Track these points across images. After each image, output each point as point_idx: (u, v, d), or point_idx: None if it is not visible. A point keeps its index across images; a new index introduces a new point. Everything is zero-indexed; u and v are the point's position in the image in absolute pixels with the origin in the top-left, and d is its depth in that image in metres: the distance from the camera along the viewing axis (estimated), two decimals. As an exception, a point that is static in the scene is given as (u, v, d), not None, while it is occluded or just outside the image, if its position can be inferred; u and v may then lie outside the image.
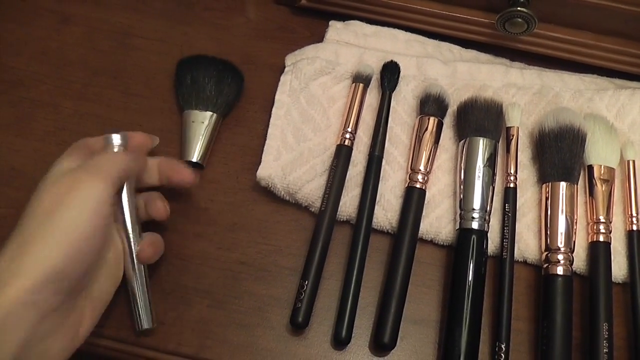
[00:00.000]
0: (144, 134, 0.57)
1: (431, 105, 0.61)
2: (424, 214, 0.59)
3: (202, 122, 0.62)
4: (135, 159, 0.54)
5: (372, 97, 0.64)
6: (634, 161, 0.61)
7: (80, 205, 0.46)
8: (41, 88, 0.66)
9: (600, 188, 0.59)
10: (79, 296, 0.48)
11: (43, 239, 0.45)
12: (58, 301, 0.45)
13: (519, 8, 0.60)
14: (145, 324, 0.54)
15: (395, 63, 0.64)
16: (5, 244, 0.45)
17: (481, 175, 0.58)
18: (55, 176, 0.49)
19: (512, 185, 0.59)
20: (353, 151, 0.61)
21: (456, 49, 0.69)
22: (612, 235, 0.58)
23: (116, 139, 0.54)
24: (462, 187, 0.58)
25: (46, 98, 0.66)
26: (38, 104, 0.65)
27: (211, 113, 0.62)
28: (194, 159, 0.61)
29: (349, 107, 0.62)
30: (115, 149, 0.54)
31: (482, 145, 0.59)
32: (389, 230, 0.59)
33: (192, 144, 0.61)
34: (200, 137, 0.62)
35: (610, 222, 0.58)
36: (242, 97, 0.66)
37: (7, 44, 0.69)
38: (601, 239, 0.57)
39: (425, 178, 0.59)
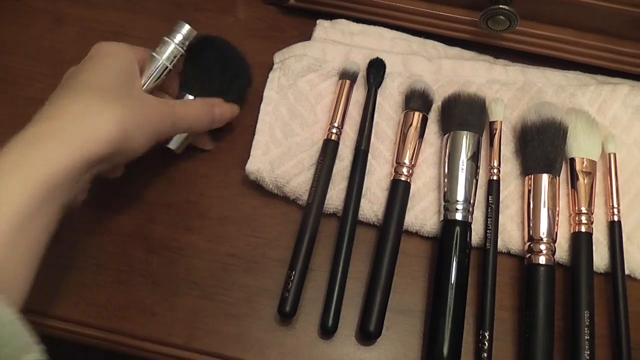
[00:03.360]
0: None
1: (416, 100, 0.62)
2: (409, 206, 0.60)
3: None
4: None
5: (359, 94, 0.66)
6: (615, 154, 0.62)
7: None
8: (35, 86, 0.68)
9: (582, 180, 0.60)
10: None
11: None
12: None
13: (501, 6, 0.61)
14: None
15: (381, 60, 0.65)
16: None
17: (465, 168, 0.59)
18: None
19: (495, 178, 0.60)
20: (340, 146, 0.62)
21: (441, 46, 0.70)
22: (593, 226, 0.59)
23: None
24: (446, 180, 0.59)
25: (40, 96, 0.65)
26: (32, 101, 0.65)
27: None
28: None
29: (336, 103, 0.63)
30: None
31: (465, 139, 0.60)
32: (375, 223, 0.60)
33: None
34: None
35: (592, 214, 0.59)
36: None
37: (2, 44, 0.70)
38: (583, 229, 0.58)
39: (410, 171, 0.60)
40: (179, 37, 0.57)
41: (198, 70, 0.60)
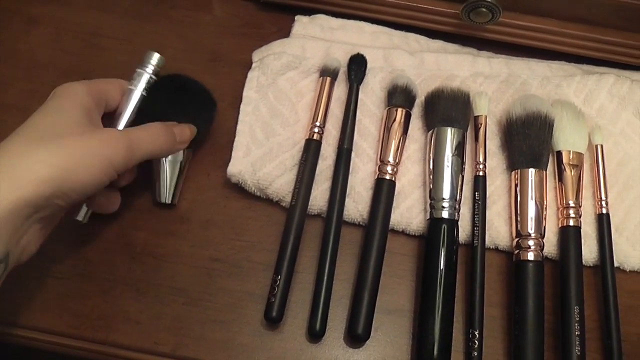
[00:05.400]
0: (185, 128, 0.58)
1: (398, 96, 0.61)
2: (394, 205, 0.59)
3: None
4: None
5: (340, 91, 0.64)
6: (602, 145, 0.61)
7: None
8: (10, 92, 0.66)
9: (569, 173, 0.59)
10: None
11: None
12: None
13: (482, -3, 0.60)
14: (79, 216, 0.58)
15: (362, 55, 0.64)
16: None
17: (450, 164, 0.58)
18: None
19: (481, 173, 0.59)
20: (322, 145, 0.61)
21: (423, 39, 0.69)
22: (582, 219, 0.58)
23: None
24: (431, 177, 0.59)
25: (15, 101, 0.65)
26: (6, 107, 0.65)
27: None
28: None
29: (317, 101, 0.62)
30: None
31: (450, 135, 0.59)
32: (360, 223, 0.60)
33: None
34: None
35: (580, 207, 0.59)
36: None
37: (-26, 48, 0.68)
38: (571, 223, 0.58)
39: (395, 169, 0.59)
40: (150, 67, 0.59)
41: (159, 107, 0.59)
